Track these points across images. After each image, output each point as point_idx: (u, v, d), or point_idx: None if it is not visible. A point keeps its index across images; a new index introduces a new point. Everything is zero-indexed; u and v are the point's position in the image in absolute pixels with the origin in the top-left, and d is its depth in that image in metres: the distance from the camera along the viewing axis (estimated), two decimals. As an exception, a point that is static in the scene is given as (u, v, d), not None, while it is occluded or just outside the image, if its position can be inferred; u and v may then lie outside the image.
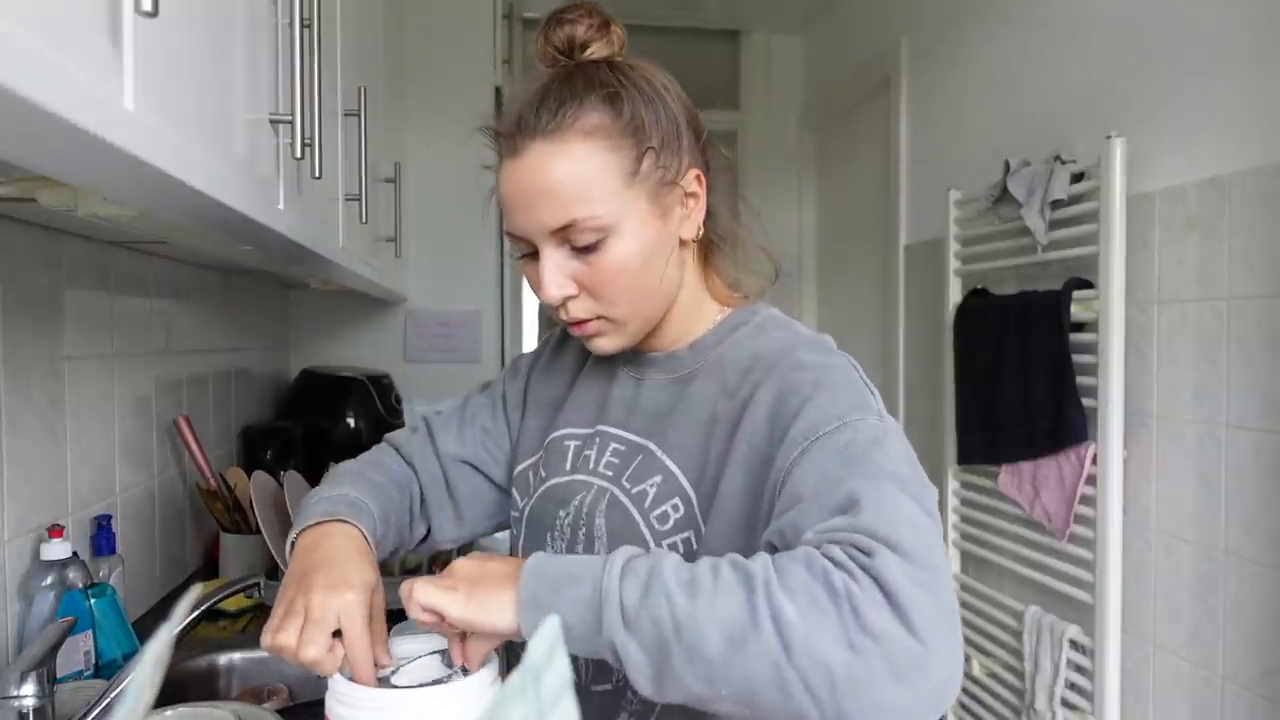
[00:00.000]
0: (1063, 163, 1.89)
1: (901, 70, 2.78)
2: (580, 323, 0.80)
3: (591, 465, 0.86)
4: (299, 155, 0.88)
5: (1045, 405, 1.89)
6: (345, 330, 2.62)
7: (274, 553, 1.42)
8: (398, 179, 1.98)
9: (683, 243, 0.82)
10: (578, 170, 0.75)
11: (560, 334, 1.02)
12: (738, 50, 3.76)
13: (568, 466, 0.88)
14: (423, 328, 2.65)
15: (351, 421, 2.26)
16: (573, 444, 0.89)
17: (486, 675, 0.71)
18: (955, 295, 2.30)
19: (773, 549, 0.67)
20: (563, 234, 0.76)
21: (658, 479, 0.81)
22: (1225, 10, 1.59)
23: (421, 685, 0.70)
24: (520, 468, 0.95)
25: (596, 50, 0.81)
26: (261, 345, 2.27)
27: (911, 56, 2.76)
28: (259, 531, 1.46)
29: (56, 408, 1.19)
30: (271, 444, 2.01)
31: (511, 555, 0.91)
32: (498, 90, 2.66)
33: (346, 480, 0.89)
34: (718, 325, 0.86)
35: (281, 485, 1.46)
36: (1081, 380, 1.83)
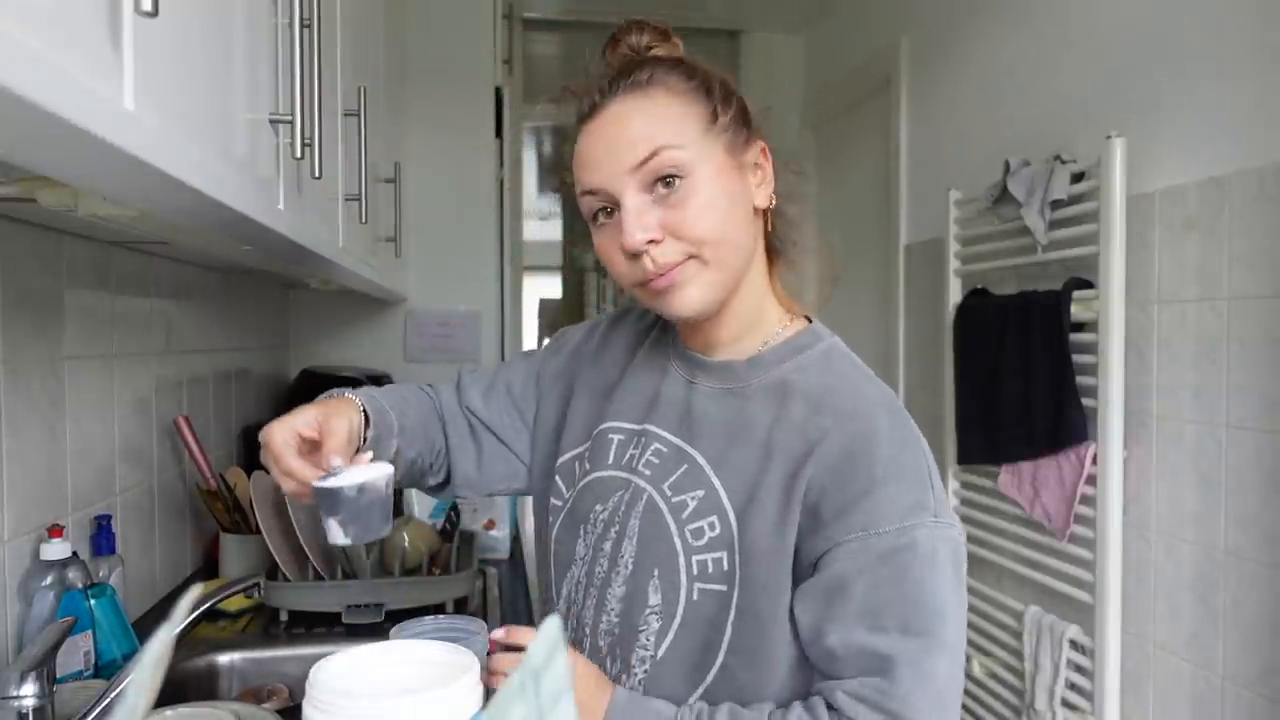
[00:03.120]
0: (1063, 163, 1.89)
1: (901, 70, 2.78)
2: (668, 271, 0.79)
3: (634, 464, 0.88)
4: (299, 155, 0.87)
5: (1045, 405, 1.89)
6: (345, 330, 2.62)
7: (274, 553, 1.42)
8: (398, 179, 1.98)
9: (757, 210, 0.84)
10: (662, 111, 0.80)
11: (611, 320, 1.03)
12: (738, 50, 3.76)
13: (609, 461, 0.90)
14: (423, 328, 2.65)
15: (351, 421, 2.25)
16: (617, 438, 0.91)
17: (467, 683, 0.70)
18: (955, 295, 2.30)
19: (800, 634, 0.77)
20: (646, 170, 0.78)
21: (700, 493, 0.82)
22: (1225, 10, 1.59)
23: (404, 693, 0.70)
24: (565, 457, 0.95)
25: (660, 52, 0.87)
26: (261, 345, 2.27)
27: (911, 56, 2.76)
28: (259, 531, 1.46)
29: (56, 408, 1.19)
30: (271, 444, 2.01)
31: (542, 545, 0.96)
32: (498, 90, 2.66)
33: (373, 390, 0.95)
34: (780, 343, 0.86)
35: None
36: (1081, 380, 1.83)
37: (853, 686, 0.73)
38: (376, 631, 1.37)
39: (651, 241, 0.78)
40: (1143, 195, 1.75)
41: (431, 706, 0.67)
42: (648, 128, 0.78)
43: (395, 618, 1.30)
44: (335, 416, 0.81)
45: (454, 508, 1.83)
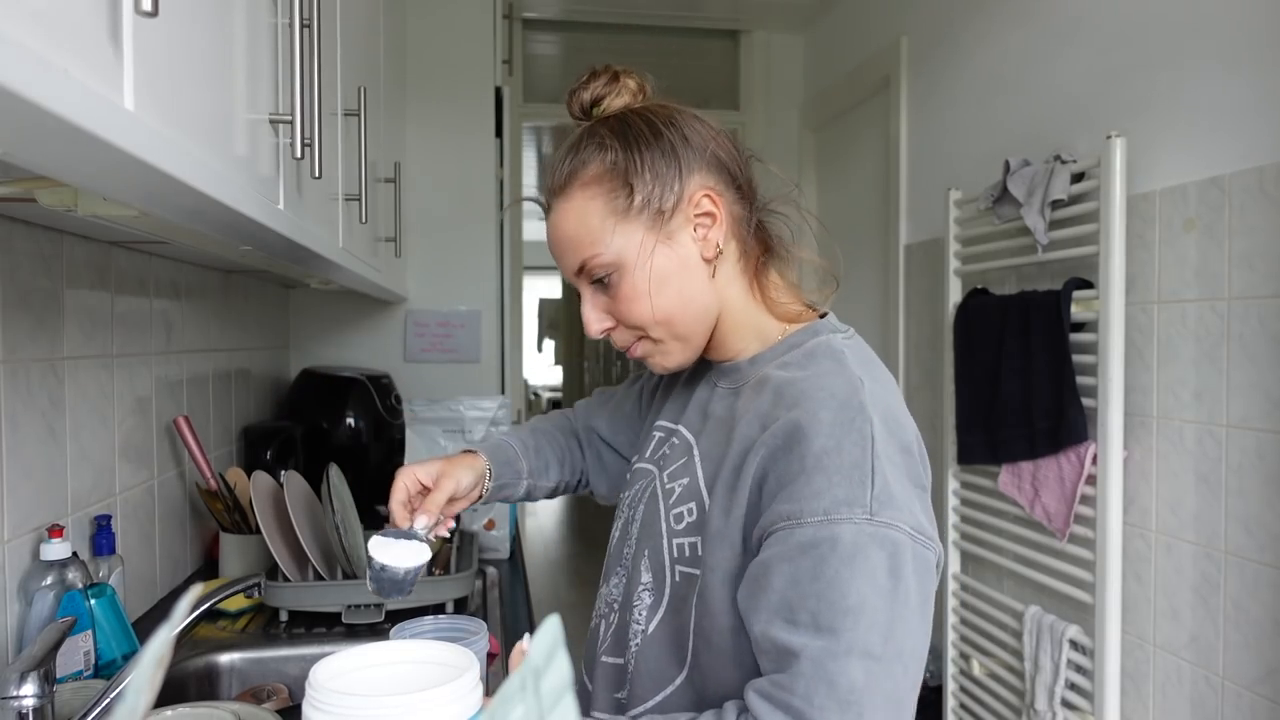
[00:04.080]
0: (1063, 162, 1.89)
1: (901, 70, 2.78)
2: (629, 349, 0.89)
3: (659, 458, 0.94)
4: (299, 155, 0.87)
5: (1045, 405, 1.89)
6: (345, 330, 2.62)
7: (274, 553, 1.42)
8: (398, 179, 1.98)
9: (706, 261, 0.86)
10: (578, 218, 0.85)
11: None
12: (738, 50, 3.76)
13: (646, 454, 0.98)
14: (423, 328, 2.65)
15: (351, 421, 2.26)
16: (658, 435, 0.98)
17: (465, 683, 0.70)
18: (955, 295, 2.30)
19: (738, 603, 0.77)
20: (583, 275, 0.86)
21: (685, 480, 0.87)
22: (1226, 10, 1.59)
23: (404, 693, 0.70)
24: (636, 452, 1.04)
25: (611, 103, 0.90)
26: (261, 345, 2.27)
27: (911, 56, 2.76)
28: (259, 531, 1.46)
29: (56, 407, 1.19)
30: (271, 444, 2.01)
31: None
32: (498, 90, 2.66)
33: (516, 428, 1.18)
34: (778, 342, 0.89)
35: (281, 485, 1.46)
36: (1081, 380, 1.83)
37: (761, 684, 0.72)
38: (376, 631, 1.37)
39: (608, 328, 0.88)
40: (1143, 195, 1.75)
41: (431, 706, 0.67)
42: (571, 239, 0.85)
43: (395, 618, 1.30)
44: (449, 475, 0.99)
45: (454, 508, 1.83)
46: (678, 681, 0.84)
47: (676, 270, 0.84)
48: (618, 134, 0.86)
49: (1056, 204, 1.89)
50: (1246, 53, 1.55)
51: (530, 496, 1.11)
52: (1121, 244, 1.74)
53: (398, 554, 0.92)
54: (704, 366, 0.97)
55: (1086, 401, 1.82)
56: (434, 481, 0.98)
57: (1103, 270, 1.76)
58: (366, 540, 1.11)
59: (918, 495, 0.76)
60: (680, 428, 0.94)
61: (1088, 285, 1.85)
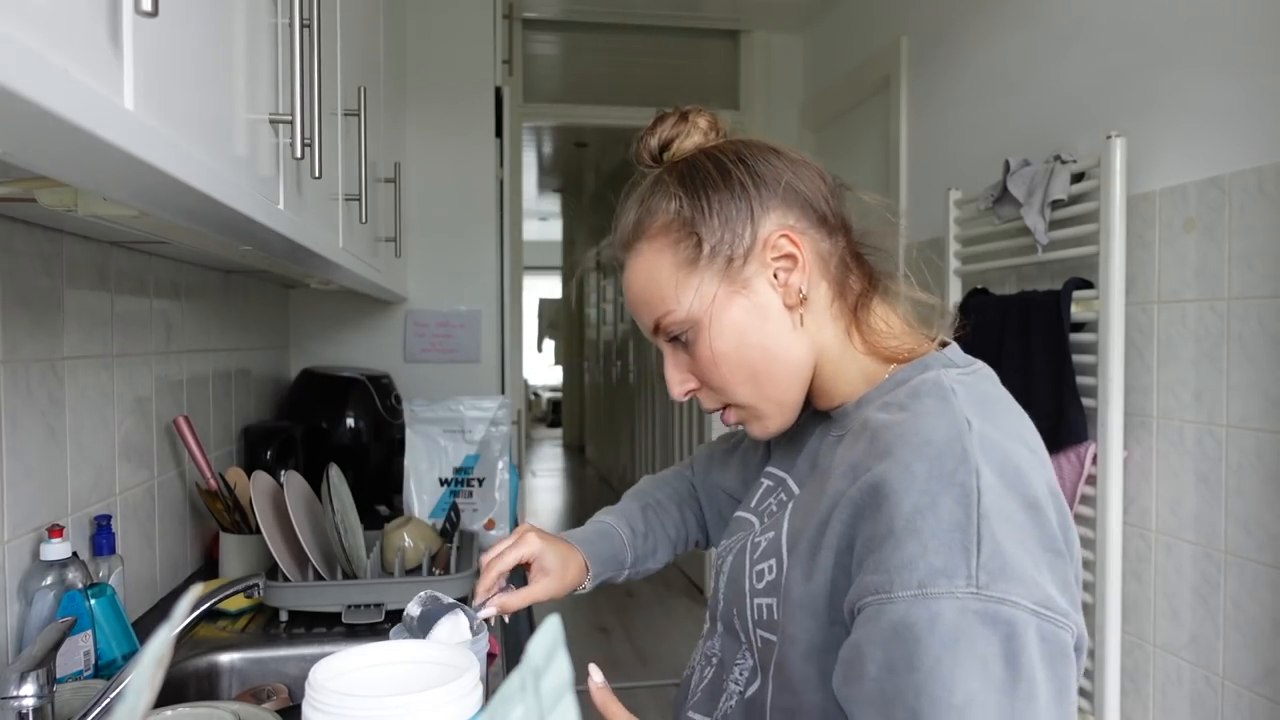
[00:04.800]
0: (1063, 162, 1.89)
1: (901, 70, 2.78)
2: (721, 413, 0.82)
3: (763, 509, 0.86)
4: (299, 155, 0.87)
5: (1045, 405, 1.89)
6: (345, 330, 2.62)
7: (274, 553, 1.42)
8: (398, 179, 1.98)
9: (789, 308, 0.77)
10: (647, 274, 0.80)
11: None
12: (738, 50, 3.76)
13: (751, 504, 0.90)
14: (423, 328, 2.65)
15: (351, 421, 2.26)
16: (766, 484, 0.90)
17: (465, 683, 0.70)
18: (955, 295, 2.30)
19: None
20: (660, 334, 0.81)
21: (771, 535, 0.79)
22: (1225, 11, 1.59)
23: (404, 693, 0.70)
24: (743, 498, 0.98)
25: (680, 146, 0.83)
26: (261, 345, 2.27)
27: (911, 56, 2.76)
28: (259, 531, 1.46)
29: (56, 407, 1.19)
30: (271, 444, 2.01)
31: None
32: (498, 90, 2.66)
33: (631, 498, 1.10)
34: (885, 381, 0.78)
35: (281, 485, 1.46)
36: (1081, 380, 1.83)
37: None
38: (376, 631, 1.37)
39: (691, 390, 0.81)
40: (1143, 195, 1.75)
41: (431, 706, 0.67)
42: (643, 296, 0.80)
43: (395, 618, 1.30)
44: (548, 586, 0.97)
45: (454, 508, 1.83)
46: None
47: (756, 323, 0.76)
48: (683, 179, 0.79)
49: (1056, 204, 1.90)
50: (1246, 53, 1.55)
51: (631, 578, 1.06)
52: (1121, 244, 1.74)
53: (441, 631, 0.89)
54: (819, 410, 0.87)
55: (1086, 401, 1.82)
56: (537, 572, 0.97)
57: (1103, 270, 1.76)
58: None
59: (1048, 561, 0.62)
60: (788, 478, 0.86)
61: (1088, 285, 1.85)
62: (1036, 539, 0.63)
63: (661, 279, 0.78)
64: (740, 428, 0.85)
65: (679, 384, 0.81)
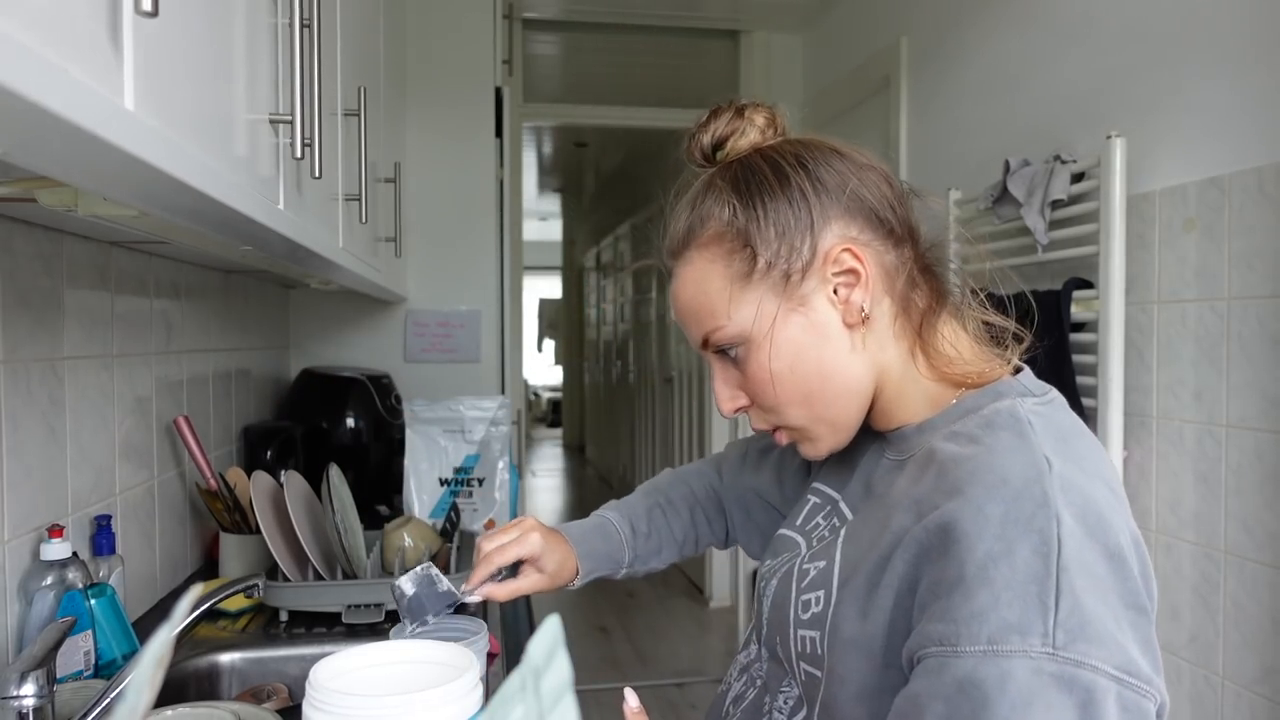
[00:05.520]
0: (1063, 163, 1.89)
1: (901, 70, 2.78)
2: (773, 433, 0.78)
3: (811, 530, 0.81)
4: (299, 155, 0.87)
5: (1045, 405, 1.89)
6: (345, 330, 2.62)
7: (274, 553, 1.42)
8: (398, 179, 1.98)
9: (850, 326, 0.72)
10: (697, 285, 0.75)
11: None
12: (738, 50, 3.76)
13: (797, 521, 0.85)
14: (423, 328, 2.65)
15: (351, 421, 2.26)
16: (813, 500, 0.85)
17: (465, 683, 0.70)
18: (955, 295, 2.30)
19: None
20: (709, 348, 0.76)
21: (821, 564, 0.74)
22: (1225, 10, 1.59)
23: (404, 693, 0.70)
24: (788, 513, 0.92)
25: (735, 144, 0.77)
26: (261, 345, 2.27)
27: (911, 56, 2.76)
28: (259, 531, 1.46)
29: (56, 407, 1.19)
30: (271, 444, 2.01)
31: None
32: (498, 90, 2.67)
33: (640, 493, 1.06)
34: (952, 405, 0.73)
35: (281, 485, 1.46)
36: (1081, 380, 1.83)
37: None
38: (376, 631, 1.37)
39: (741, 407, 0.77)
40: (1143, 195, 1.75)
41: (431, 706, 0.67)
42: (691, 308, 0.75)
43: (395, 618, 1.30)
44: (539, 581, 0.95)
45: (454, 508, 1.83)
46: None
47: (814, 341, 0.71)
48: (738, 185, 0.73)
49: (1056, 204, 1.90)
50: (1246, 53, 1.55)
51: (631, 576, 1.02)
52: (1121, 244, 1.74)
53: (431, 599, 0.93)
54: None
55: (1086, 401, 1.82)
56: (531, 563, 0.95)
57: (1103, 270, 1.76)
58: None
59: (1130, 619, 0.57)
60: (840, 500, 0.80)
61: (1088, 285, 1.85)
62: (1119, 594, 0.58)
63: (713, 291, 0.73)
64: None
65: (729, 400, 0.76)
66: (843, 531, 0.75)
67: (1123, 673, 0.55)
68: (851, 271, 0.71)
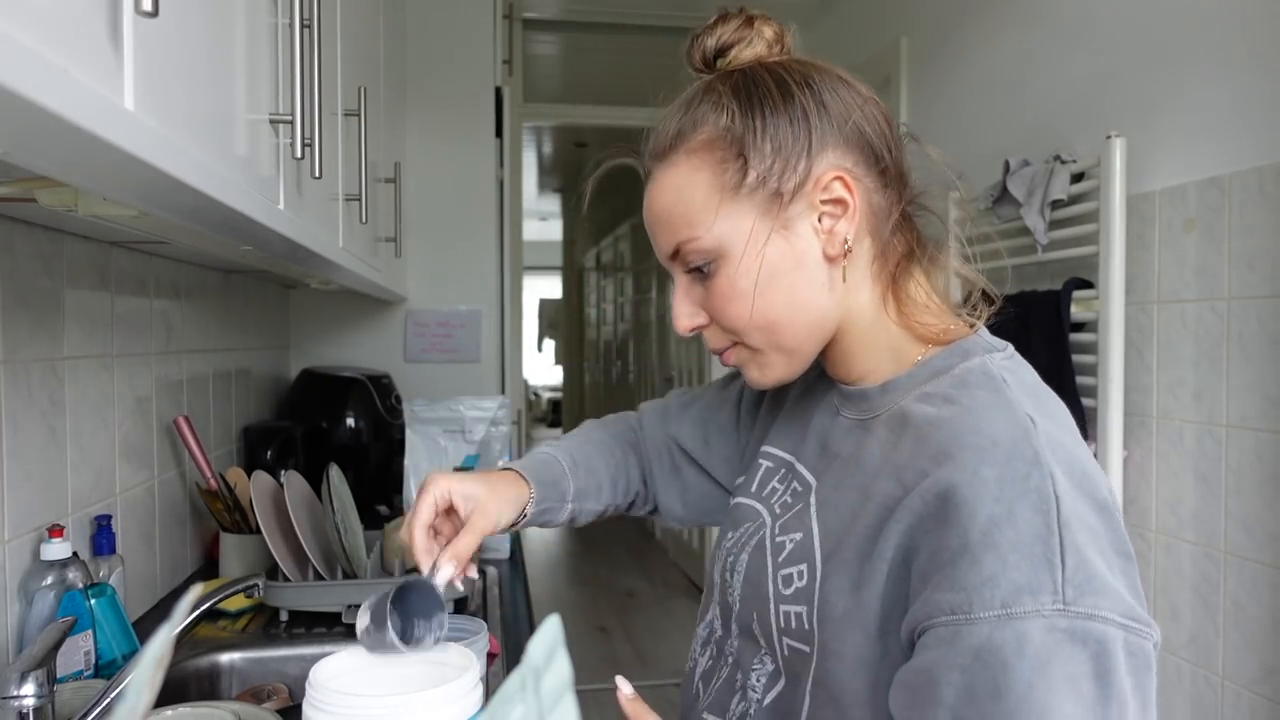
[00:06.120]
0: (1063, 162, 1.89)
1: (902, 70, 2.78)
2: (723, 353, 0.75)
3: (771, 497, 0.80)
4: (299, 155, 0.88)
5: (1045, 405, 1.89)
6: (345, 330, 2.62)
7: (274, 552, 1.42)
8: (398, 179, 1.98)
9: (829, 259, 0.70)
10: (680, 190, 0.71)
11: None
12: (738, 50, 3.76)
13: (752, 489, 0.83)
14: (423, 328, 2.65)
15: (351, 421, 2.26)
16: (765, 465, 0.83)
17: (465, 683, 0.70)
18: (955, 295, 2.30)
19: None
20: (678, 260, 0.73)
21: (798, 536, 0.72)
22: (1225, 11, 1.59)
23: (404, 693, 0.70)
24: (738, 480, 0.90)
25: (739, 54, 0.75)
26: (261, 345, 2.27)
27: (911, 56, 2.76)
28: (259, 531, 1.46)
29: (56, 408, 1.19)
30: (271, 444, 2.01)
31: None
32: (498, 90, 2.67)
33: (568, 436, 0.96)
34: (917, 366, 0.71)
35: (281, 485, 1.46)
36: (1081, 380, 1.83)
37: None
38: (376, 631, 1.37)
39: (699, 325, 0.74)
40: (1143, 195, 1.75)
41: (431, 706, 0.67)
42: (668, 215, 0.72)
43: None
44: (486, 513, 0.80)
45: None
46: None
47: (789, 267, 0.69)
48: (739, 93, 0.70)
49: (1056, 204, 1.90)
50: (1246, 53, 1.55)
51: (574, 522, 0.92)
52: (1121, 244, 1.74)
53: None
54: (822, 382, 0.81)
55: (1086, 401, 1.82)
56: (468, 509, 0.80)
57: (1102, 270, 1.76)
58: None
59: (1121, 568, 0.59)
60: (797, 463, 0.78)
61: (1088, 285, 1.85)
62: (1111, 544, 0.59)
63: (696, 199, 0.70)
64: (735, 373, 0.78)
65: (687, 317, 0.74)
66: (812, 500, 0.73)
67: (1127, 619, 0.56)
68: (840, 202, 0.69)
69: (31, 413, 1.13)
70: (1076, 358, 1.84)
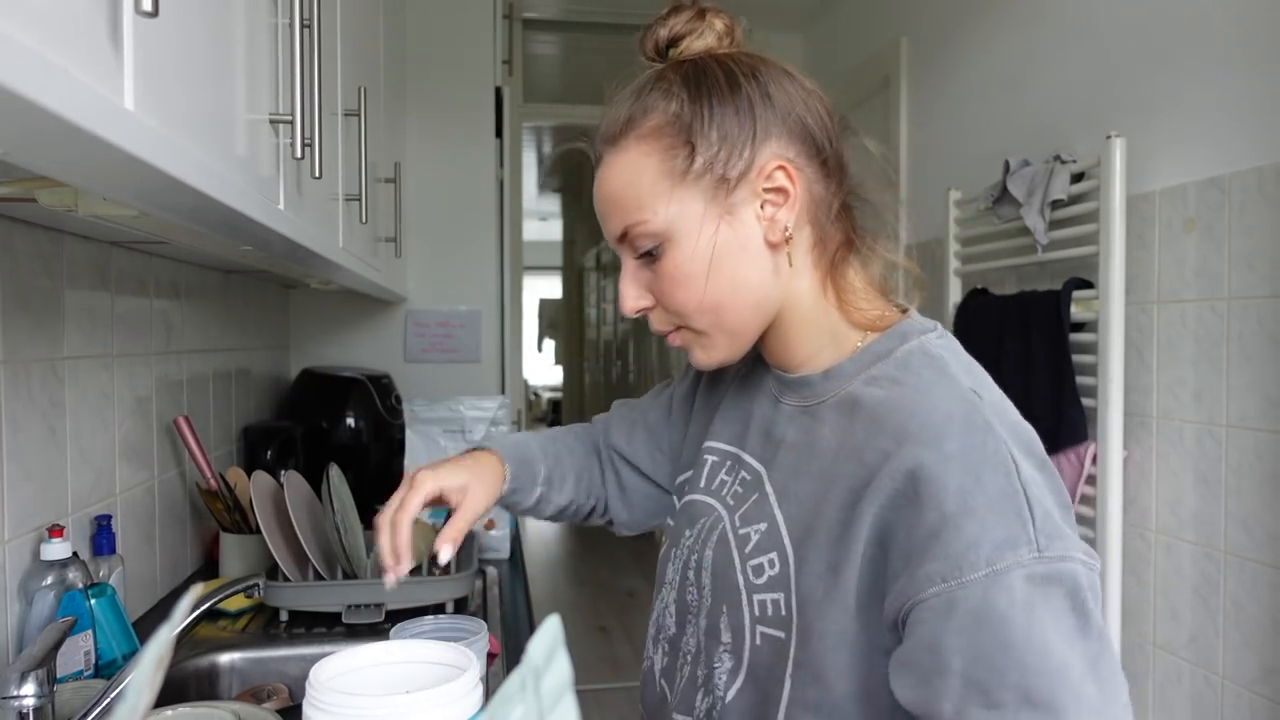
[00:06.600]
0: (1063, 163, 1.89)
1: (901, 70, 2.78)
2: (667, 335, 0.78)
3: (722, 490, 0.82)
4: (299, 155, 0.88)
5: (1045, 405, 1.89)
6: (345, 330, 2.62)
7: (274, 553, 1.42)
8: (398, 179, 1.98)
9: (770, 245, 0.73)
10: (629, 175, 0.74)
11: None
12: (738, 50, 3.76)
13: (701, 484, 0.85)
14: (423, 328, 2.65)
15: (351, 421, 2.26)
16: (711, 459, 0.85)
17: (465, 683, 0.70)
18: (955, 295, 2.30)
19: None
20: (626, 243, 0.75)
21: (763, 526, 0.74)
22: (1225, 11, 1.59)
23: (404, 693, 0.70)
24: (680, 478, 0.92)
25: (690, 45, 0.78)
26: (261, 345, 2.27)
27: (911, 56, 2.76)
28: (259, 531, 1.46)
29: (56, 408, 1.19)
30: (271, 444, 2.01)
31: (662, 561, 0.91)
32: (498, 90, 2.66)
33: (537, 434, 1.00)
34: (860, 351, 0.74)
35: (281, 485, 1.46)
36: (1081, 380, 1.83)
37: None
38: (376, 631, 1.37)
39: (645, 307, 0.77)
40: (1143, 195, 1.75)
41: (431, 706, 0.67)
42: (618, 198, 0.75)
43: (395, 618, 1.30)
44: (478, 498, 0.85)
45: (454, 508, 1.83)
46: None
47: (733, 252, 0.72)
48: (688, 82, 0.73)
49: (1056, 204, 1.90)
50: (1246, 53, 1.55)
51: (538, 508, 0.95)
52: (1121, 244, 1.74)
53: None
54: (759, 374, 0.83)
55: (1086, 401, 1.82)
56: (458, 500, 0.84)
57: (1102, 270, 1.76)
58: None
59: (1064, 516, 0.64)
60: (743, 454, 0.81)
61: (1088, 285, 1.85)
62: (1054, 495, 0.64)
63: (643, 184, 0.73)
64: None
65: (633, 299, 0.77)
66: (768, 489, 0.76)
67: (1084, 555, 0.62)
68: (782, 190, 0.72)
69: (31, 413, 1.13)
70: (1076, 358, 1.84)
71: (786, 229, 0.73)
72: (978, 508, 0.60)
